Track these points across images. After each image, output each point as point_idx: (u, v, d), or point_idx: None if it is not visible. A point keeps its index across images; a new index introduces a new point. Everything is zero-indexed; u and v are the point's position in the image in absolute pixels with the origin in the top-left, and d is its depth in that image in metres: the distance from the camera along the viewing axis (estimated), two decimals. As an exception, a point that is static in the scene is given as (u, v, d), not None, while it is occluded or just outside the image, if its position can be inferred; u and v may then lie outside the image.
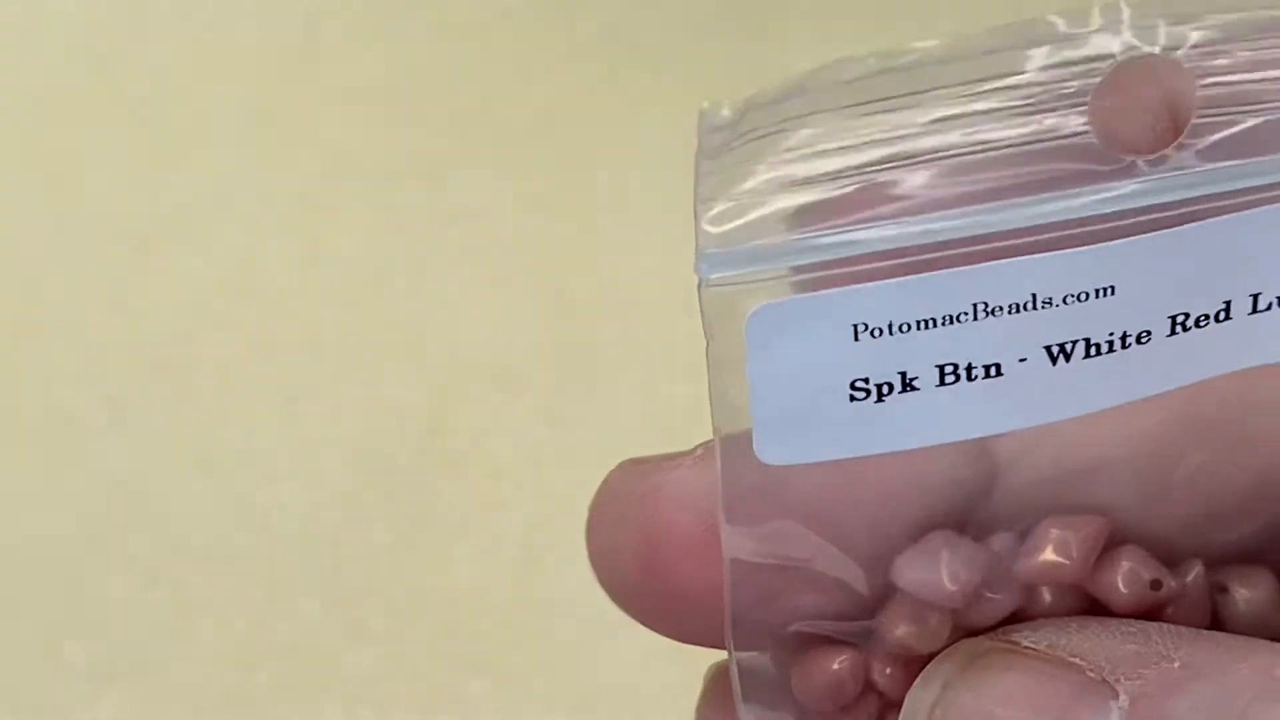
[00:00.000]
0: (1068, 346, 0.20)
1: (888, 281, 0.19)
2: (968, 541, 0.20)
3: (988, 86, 0.19)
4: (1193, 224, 0.20)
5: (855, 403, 0.20)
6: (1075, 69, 0.19)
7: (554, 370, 0.39)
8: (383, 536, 0.39)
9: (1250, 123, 0.20)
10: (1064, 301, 0.20)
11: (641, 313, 0.40)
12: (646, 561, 0.21)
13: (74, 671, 0.39)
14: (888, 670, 0.21)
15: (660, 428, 0.39)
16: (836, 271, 0.19)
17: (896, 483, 0.21)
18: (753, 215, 0.19)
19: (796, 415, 0.20)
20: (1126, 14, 0.19)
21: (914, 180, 0.19)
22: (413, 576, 0.39)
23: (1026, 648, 0.20)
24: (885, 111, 0.19)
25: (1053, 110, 0.19)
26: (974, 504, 0.21)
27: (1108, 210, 0.19)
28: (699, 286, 0.19)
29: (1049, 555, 0.20)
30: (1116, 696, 0.19)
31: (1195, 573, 0.21)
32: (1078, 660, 0.20)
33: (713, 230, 0.19)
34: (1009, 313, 0.20)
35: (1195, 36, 0.20)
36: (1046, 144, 0.19)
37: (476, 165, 0.40)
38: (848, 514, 0.21)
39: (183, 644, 0.39)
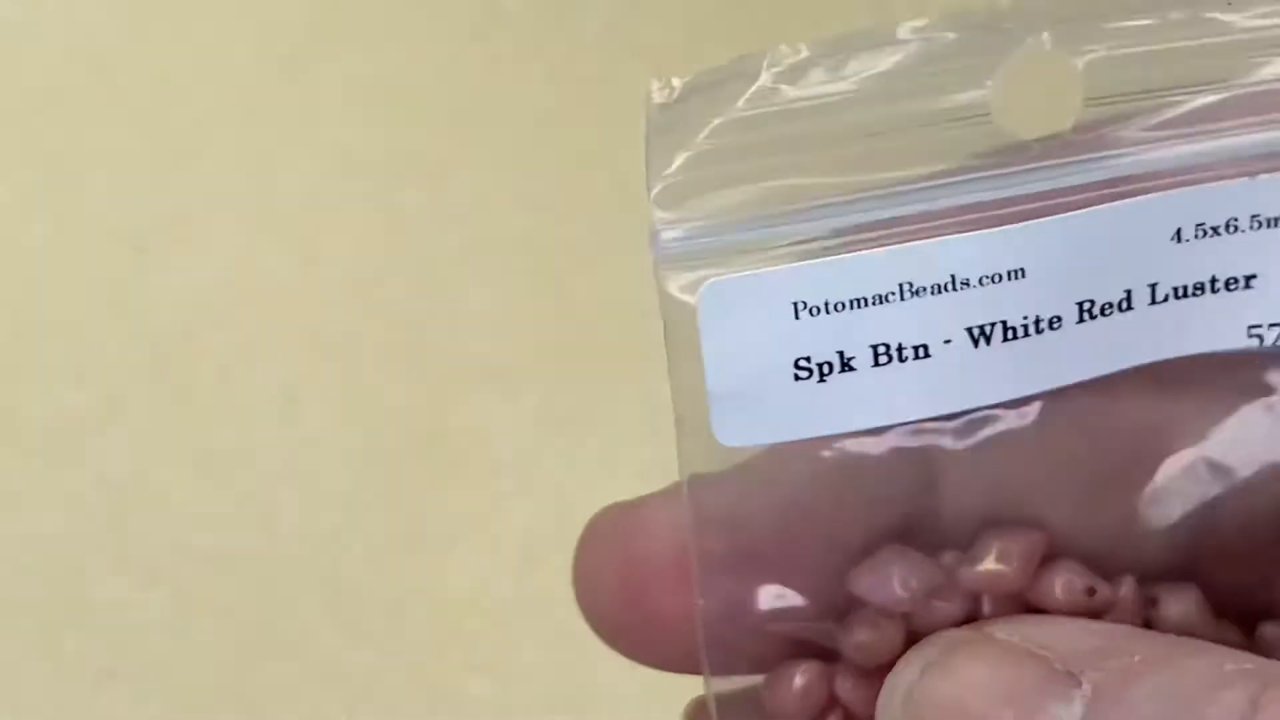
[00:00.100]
0: (987, 329, 0.21)
1: (820, 260, 0.21)
2: (916, 553, 0.22)
3: (902, 92, 0.21)
4: (1091, 209, 0.21)
5: (800, 382, 0.21)
6: (976, 60, 0.21)
7: (555, 370, 0.39)
8: (383, 536, 0.39)
9: (1145, 114, 0.21)
10: (980, 283, 0.21)
11: (642, 313, 0.40)
12: (627, 590, 0.23)
13: (73, 670, 0.39)
14: (849, 684, 0.22)
15: (660, 428, 0.39)
16: (775, 253, 0.21)
17: (852, 505, 0.22)
18: (701, 197, 0.21)
19: (749, 394, 0.21)
20: (1023, 11, 0.21)
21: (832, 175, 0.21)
22: (413, 576, 0.39)
23: (1000, 639, 0.21)
24: (805, 102, 0.21)
25: (956, 93, 0.21)
26: (923, 524, 0.22)
27: (1006, 193, 0.21)
28: (654, 265, 0.21)
29: (991, 564, 0.22)
30: (1079, 685, 0.20)
31: (1127, 585, 0.22)
32: (1045, 653, 0.21)
33: (664, 211, 0.21)
34: (931, 293, 0.21)
35: (1091, 34, 0.21)
36: (947, 129, 0.21)
37: (477, 165, 0.40)
38: (808, 535, 0.22)
39: (182, 643, 0.39)
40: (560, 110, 0.40)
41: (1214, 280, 0.22)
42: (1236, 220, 0.21)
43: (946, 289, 0.21)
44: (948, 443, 0.22)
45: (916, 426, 0.22)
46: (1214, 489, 0.23)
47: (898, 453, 0.22)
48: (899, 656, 0.22)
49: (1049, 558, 0.22)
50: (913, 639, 0.22)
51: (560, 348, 0.39)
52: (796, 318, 0.21)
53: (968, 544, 0.22)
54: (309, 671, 0.39)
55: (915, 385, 0.22)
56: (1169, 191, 0.21)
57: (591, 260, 0.40)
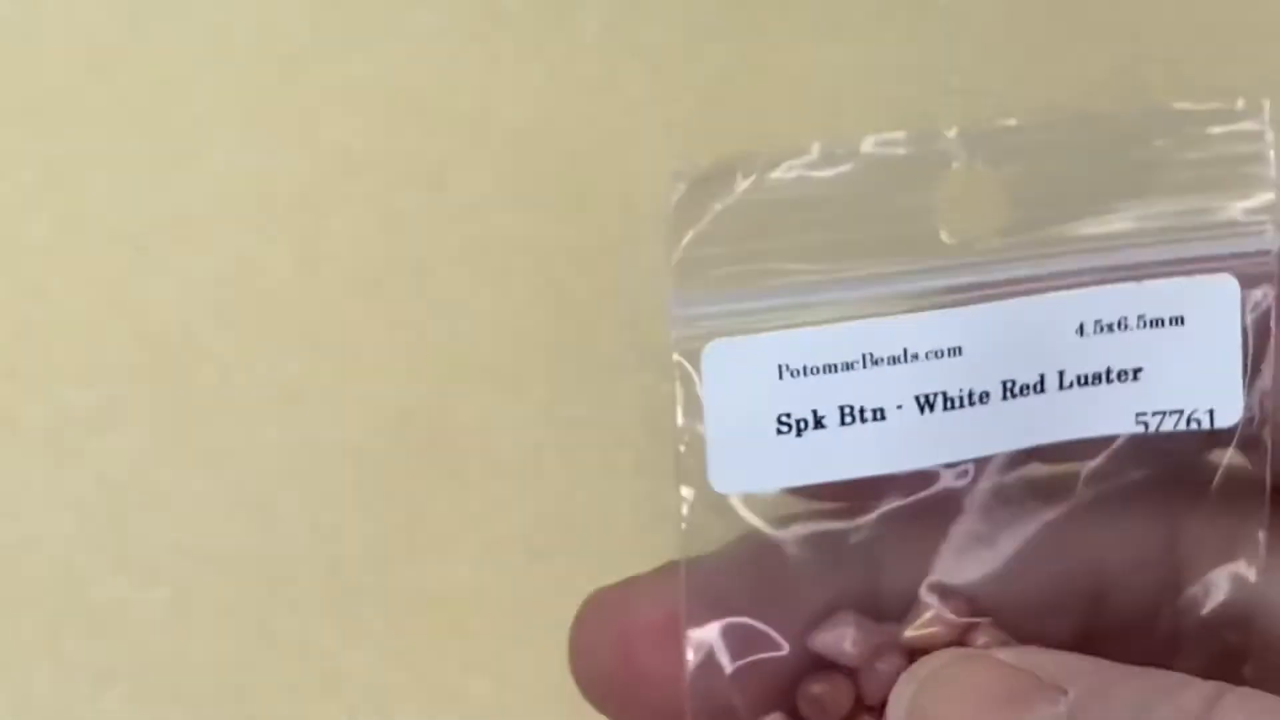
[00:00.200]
0: (931, 398, 0.25)
1: (799, 329, 0.25)
2: (865, 619, 0.26)
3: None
4: (1014, 300, 0.25)
5: (781, 436, 0.26)
6: (923, 171, 0.25)
7: (555, 370, 0.39)
8: (383, 536, 0.39)
9: (1059, 220, 0.25)
10: (926, 357, 0.25)
11: (641, 313, 0.40)
12: (620, 653, 0.27)
13: (74, 669, 0.39)
14: None
15: (659, 427, 0.39)
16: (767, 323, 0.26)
17: (813, 580, 0.27)
18: (706, 271, 0.26)
19: (740, 445, 0.26)
20: (955, 133, 0.25)
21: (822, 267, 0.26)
22: (413, 576, 0.39)
23: (998, 657, 0.25)
24: (787, 196, 0.26)
25: (906, 197, 0.26)
26: (872, 593, 0.27)
27: (946, 283, 0.25)
28: (671, 327, 0.26)
29: (926, 627, 0.26)
30: (1066, 694, 0.24)
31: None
32: (1037, 671, 0.25)
33: (679, 280, 0.26)
34: (888, 363, 0.25)
35: (1013, 148, 0.26)
36: (898, 225, 0.26)
37: (477, 165, 0.40)
38: (778, 603, 0.27)
39: (182, 642, 0.39)
40: (560, 110, 0.40)
41: (1109, 371, 0.26)
42: (1127, 319, 0.25)
43: (899, 360, 0.25)
44: (890, 530, 0.27)
45: (871, 517, 0.27)
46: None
47: (850, 538, 0.27)
48: (848, 712, 0.26)
49: (972, 619, 0.26)
50: (860, 700, 0.26)
51: (560, 347, 0.39)
52: (780, 378, 0.26)
53: (905, 611, 0.27)
54: (309, 671, 0.39)
55: (873, 444, 0.26)
56: (1074, 291, 0.25)
57: (592, 260, 0.40)
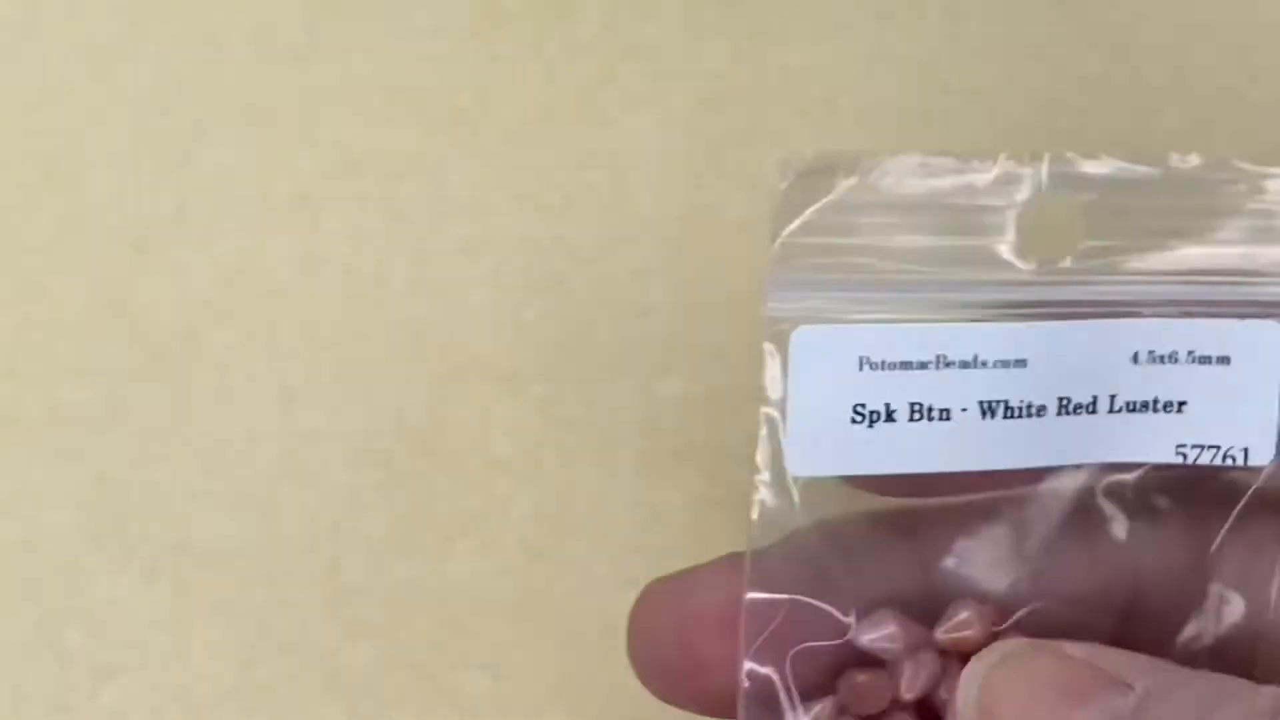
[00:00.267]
0: (994, 405, 0.27)
1: (882, 325, 0.27)
2: (904, 617, 0.28)
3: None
4: (1078, 321, 0.27)
5: (854, 425, 0.27)
6: (1006, 193, 0.27)
7: (554, 368, 0.39)
8: (382, 533, 0.39)
9: (1126, 251, 0.27)
10: (993, 365, 0.27)
11: (641, 311, 0.40)
12: (680, 638, 0.29)
13: (74, 666, 0.39)
14: None
15: (657, 424, 0.39)
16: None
17: (864, 576, 0.28)
18: (805, 259, 0.27)
19: (817, 431, 0.27)
20: (1042, 159, 0.27)
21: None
22: (412, 573, 0.39)
23: (1068, 650, 0.26)
24: (883, 199, 0.27)
25: (988, 215, 0.27)
26: (919, 593, 0.28)
27: (1012, 298, 0.27)
28: (765, 309, 0.27)
29: (959, 629, 0.28)
30: (1133, 689, 0.25)
31: None
32: (1103, 666, 0.26)
33: (778, 265, 0.27)
34: (958, 367, 0.27)
35: (1092, 179, 0.27)
36: (979, 239, 0.27)
37: (476, 164, 0.40)
38: (833, 594, 0.28)
39: (182, 639, 0.39)
40: (559, 108, 0.40)
41: (1156, 401, 0.27)
42: (1178, 353, 0.27)
43: (970, 365, 0.27)
44: (937, 533, 0.28)
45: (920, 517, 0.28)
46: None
47: (903, 538, 0.28)
48: (883, 704, 0.28)
49: (999, 624, 0.28)
50: (896, 692, 0.28)
51: (559, 345, 0.39)
52: (860, 369, 0.27)
53: (941, 612, 0.28)
54: (308, 668, 0.39)
55: (937, 443, 0.27)
56: (1132, 320, 0.27)
57: (591, 258, 0.40)
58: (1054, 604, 0.28)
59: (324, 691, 0.39)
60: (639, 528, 0.39)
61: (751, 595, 0.28)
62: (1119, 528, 0.28)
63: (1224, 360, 0.27)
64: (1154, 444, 0.27)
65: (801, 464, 0.27)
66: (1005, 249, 0.27)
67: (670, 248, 0.40)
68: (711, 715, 0.30)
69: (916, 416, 0.27)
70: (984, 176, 0.27)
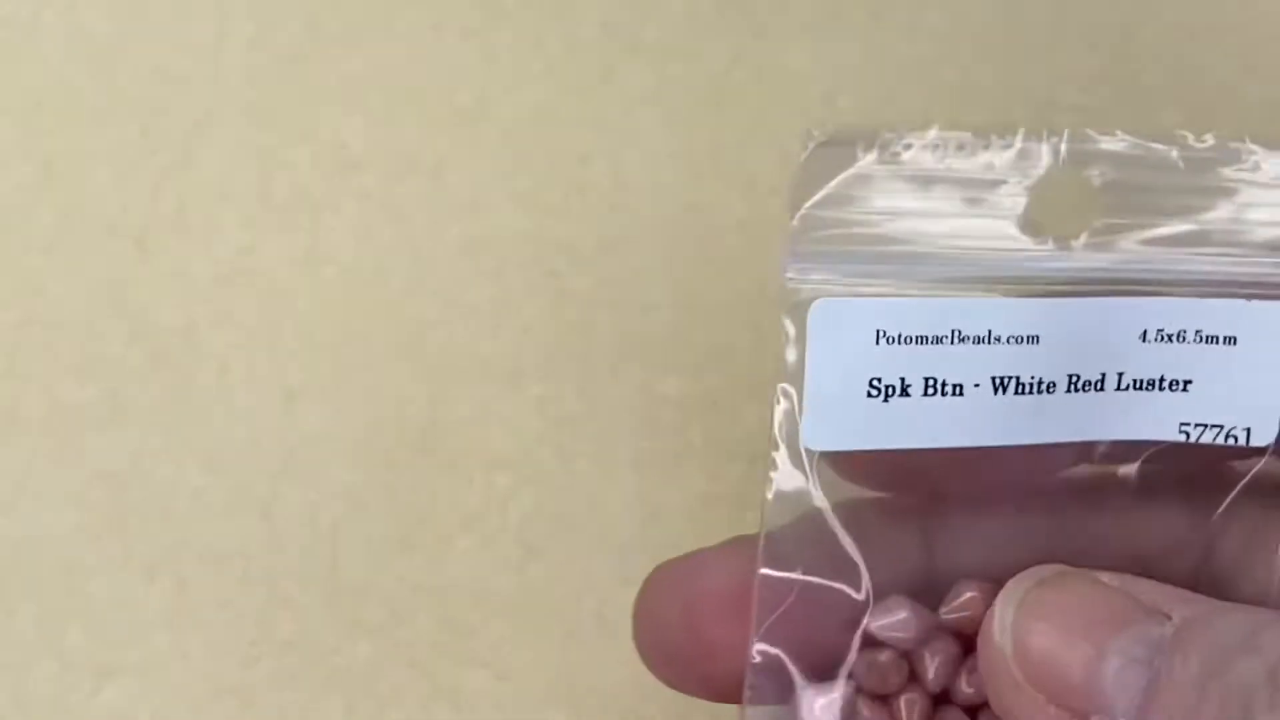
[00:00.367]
0: (1006, 381, 0.27)
1: (899, 298, 0.27)
2: (916, 604, 0.28)
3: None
4: (1090, 298, 0.27)
5: (870, 399, 0.27)
6: (1023, 168, 0.27)
7: (553, 366, 0.39)
8: (382, 530, 0.39)
9: (1139, 229, 0.27)
10: (1007, 341, 0.27)
11: (640, 308, 0.40)
12: (687, 623, 0.28)
13: (74, 665, 0.39)
14: (864, 712, 0.28)
15: (656, 422, 0.39)
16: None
17: (873, 560, 0.28)
18: (825, 230, 0.27)
19: (833, 405, 0.27)
20: (1061, 135, 0.27)
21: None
22: (412, 570, 0.39)
23: (1104, 579, 0.26)
24: (905, 172, 0.27)
25: (1005, 189, 0.27)
26: (925, 575, 0.28)
27: (1026, 272, 0.27)
28: (782, 280, 0.27)
29: (964, 609, 0.28)
30: (1170, 619, 0.25)
31: None
32: (1138, 595, 0.25)
33: (798, 236, 0.27)
34: (972, 342, 0.27)
35: (1109, 156, 0.27)
36: (996, 215, 0.27)
37: (476, 162, 0.40)
38: (843, 575, 0.28)
39: (182, 637, 0.39)
40: (558, 106, 0.41)
41: (1162, 379, 0.27)
42: (1185, 331, 0.27)
43: (984, 341, 0.27)
44: (942, 516, 0.29)
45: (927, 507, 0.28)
46: None
47: (910, 520, 0.29)
48: (900, 686, 0.28)
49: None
50: (911, 676, 0.28)
51: (558, 343, 0.40)
52: (876, 343, 0.27)
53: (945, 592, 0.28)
54: (309, 666, 0.39)
55: (949, 418, 0.27)
56: (1142, 298, 0.27)
57: (590, 257, 0.40)
58: None
59: (324, 690, 0.39)
60: (638, 526, 0.39)
61: (764, 571, 0.27)
62: (1122, 510, 0.28)
63: (1230, 340, 0.27)
64: (1158, 422, 0.27)
65: (817, 438, 0.27)
66: (1021, 225, 0.27)
67: (670, 247, 0.40)
68: (717, 700, 0.29)
69: (931, 391, 0.27)
70: (1001, 152, 0.27)
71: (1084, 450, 0.28)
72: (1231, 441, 0.27)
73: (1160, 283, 0.27)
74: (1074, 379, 0.27)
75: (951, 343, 0.27)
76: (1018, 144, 0.27)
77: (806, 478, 0.28)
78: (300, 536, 0.39)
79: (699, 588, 0.29)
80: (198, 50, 0.41)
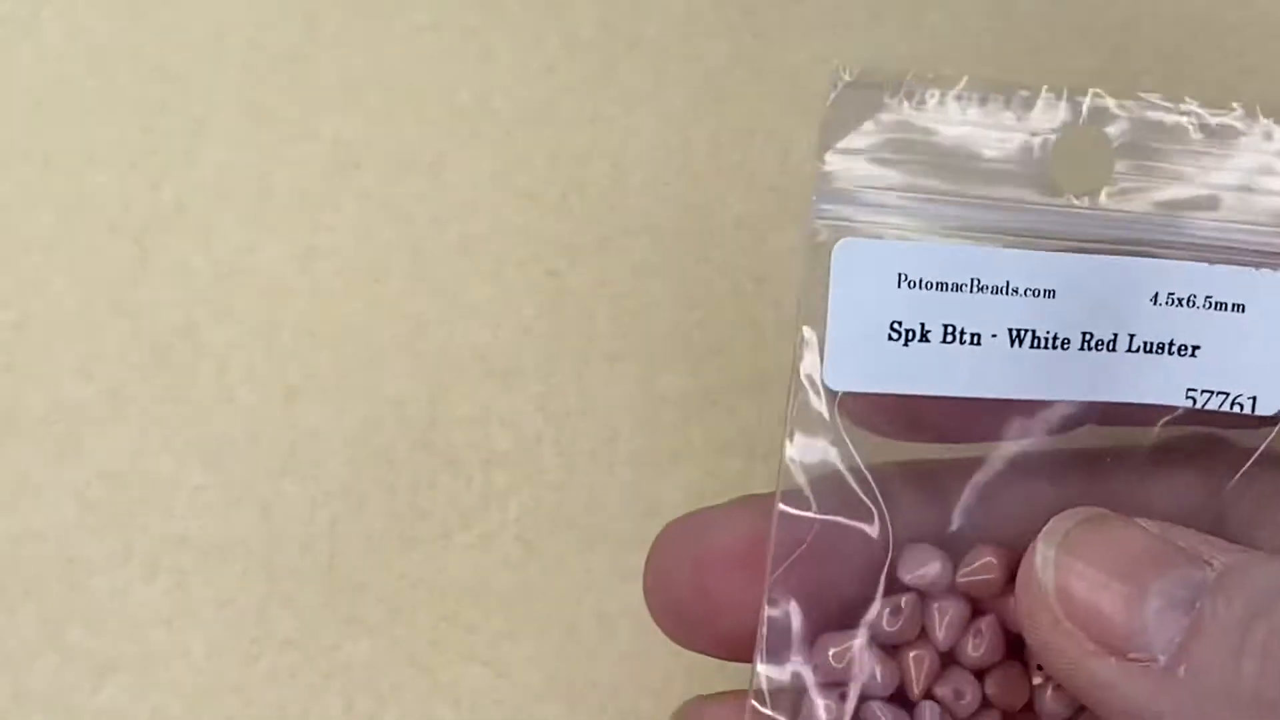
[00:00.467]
0: (1022, 334, 0.27)
1: (922, 242, 0.27)
2: (935, 549, 0.28)
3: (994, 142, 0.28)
4: (1106, 257, 0.27)
5: (890, 342, 0.27)
6: (1047, 123, 0.28)
7: (552, 363, 0.39)
8: (381, 527, 0.39)
9: (1153, 192, 0.28)
10: (1024, 294, 0.27)
11: (639, 306, 0.40)
12: (697, 580, 0.28)
13: (75, 662, 0.39)
14: (878, 655, 0.28)
15: (655, 420, 0.39)
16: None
17: (894, 516, 0.28)
18: (855, 171, 0.28)
19: (855, 345, 0.27)
20: (1085, 95, 0.28)
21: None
22: (411, 567, 0.39)
23: (1144, 525, 0.26)
24: (933, 119, 0.28)
25: (1029, 142, 0.28)
26: (939, 536, 0.28)
27: (1044, 225, 0.27)
28: (810, 216, 0.28)
29: (981, 572, 0.28)
30: (1211, 565, 0.25)
31: None
32: (1178, 541, 0.26)
33: (827, 175, 0.28)
34: (991, 292, 0.27)
35: (1132, 117, 0.29)
36: (1019, 166, 0.28)
37: (475, 160, 0.40)
38: (859, 539, 0.28)
39: (183, 634, 0.39)
40: (558, 104, 0.41)
41: (1171, 343, 0.27)
42: (1195, 296, 0.27)
43: (1002, 291, 0.27)
44: (961, 484, 0.29)
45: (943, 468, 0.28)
46: None
47: (927, 482, 0.29)
48: (916, 633, 0.28)
49: (1016, 567, 0.28)
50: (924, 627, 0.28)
51: (558, 341, 0.40)
52: (898, 286, 0.27)
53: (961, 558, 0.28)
54: (308, 663, 0.39)
55: (966, 367, 0.27)
56: (1155, 261, 0.27)
57: (590, 255, 0.40)
58: None
59: (324, 686, 0.39)
60: (637, 523, 0.39)
61: (783, 508, 0.28)
62: (1134, 479, 0.29)
63: (1239, 308, 0.27)
64: (1166, 386, 0.28)
65: (839, 378, 0.28)
66: (1040, 180, 0.28)
67: (669, 245, 0.40)
68: (725, 658, 0.29)
69: (949, 338, 0.27)
70: (1024, 109, 0.28)
71: (1089, 412, 0.28)
72: (1237, 409, 0.28)
73: (1174, 245, 0.28)
74: (1088, 337, 0.27)
75: (971, 291, 0.27)
76: (1041, 101, 0.28)
77: (824, 421, 0.28)
78: (300, 534, 0.39)
79: (708, 544, 0.29)
80: (198, 50, 0.41)
